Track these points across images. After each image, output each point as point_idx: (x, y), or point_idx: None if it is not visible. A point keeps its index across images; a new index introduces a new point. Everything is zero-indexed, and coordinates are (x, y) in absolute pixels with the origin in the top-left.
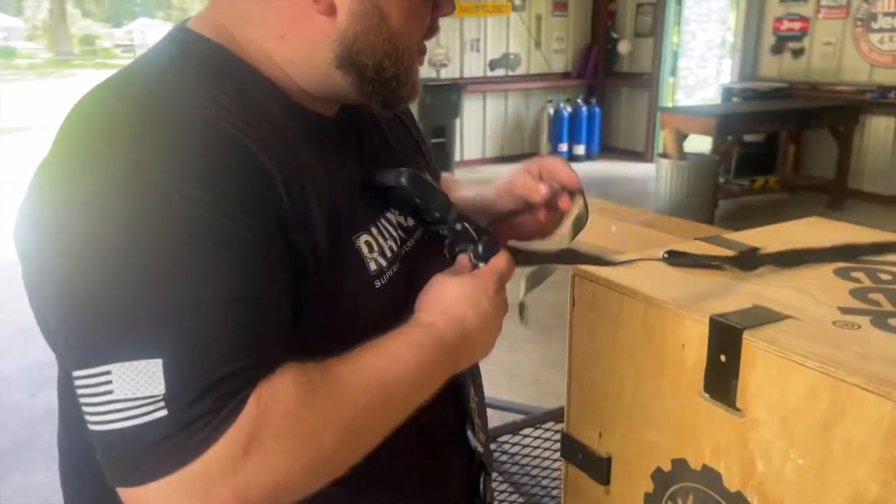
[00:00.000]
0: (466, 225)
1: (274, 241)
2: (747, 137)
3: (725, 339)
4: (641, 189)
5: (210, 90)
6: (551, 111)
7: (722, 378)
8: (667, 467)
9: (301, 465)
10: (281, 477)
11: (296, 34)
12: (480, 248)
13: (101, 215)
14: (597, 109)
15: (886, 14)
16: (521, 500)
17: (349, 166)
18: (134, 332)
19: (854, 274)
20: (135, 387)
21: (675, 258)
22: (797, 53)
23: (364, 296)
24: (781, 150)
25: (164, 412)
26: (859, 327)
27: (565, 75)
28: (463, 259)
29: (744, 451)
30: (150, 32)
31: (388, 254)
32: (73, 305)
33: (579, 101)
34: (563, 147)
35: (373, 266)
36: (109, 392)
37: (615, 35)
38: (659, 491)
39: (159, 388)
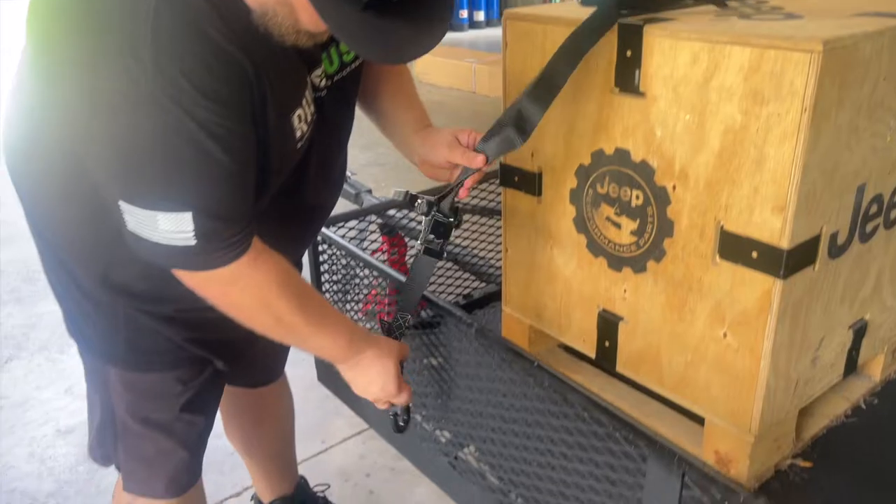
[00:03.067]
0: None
1: (247, 126)
2: None
3: (630, 37)
4: None
5: None
6: None
7: (628, 70)
8: (587, 161)
9: (265, 312)
10: (257, 304)
11: None
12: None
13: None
14: None
15: None
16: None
17: (295, 59)
18: (172, 196)
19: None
20: (175, 225)
21: None
22: None
23: (287, 156)
24: None
25: (193, 241)
26: (729, 19)
27: None
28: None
29: (646, 125)
30: None
31: (309, 118)
32: (124, 167)
33: None
34: (464, 13)
35: (298, 133)
36: (157, 224)
37: None
38: (581, 183)
39: (190, 227)
